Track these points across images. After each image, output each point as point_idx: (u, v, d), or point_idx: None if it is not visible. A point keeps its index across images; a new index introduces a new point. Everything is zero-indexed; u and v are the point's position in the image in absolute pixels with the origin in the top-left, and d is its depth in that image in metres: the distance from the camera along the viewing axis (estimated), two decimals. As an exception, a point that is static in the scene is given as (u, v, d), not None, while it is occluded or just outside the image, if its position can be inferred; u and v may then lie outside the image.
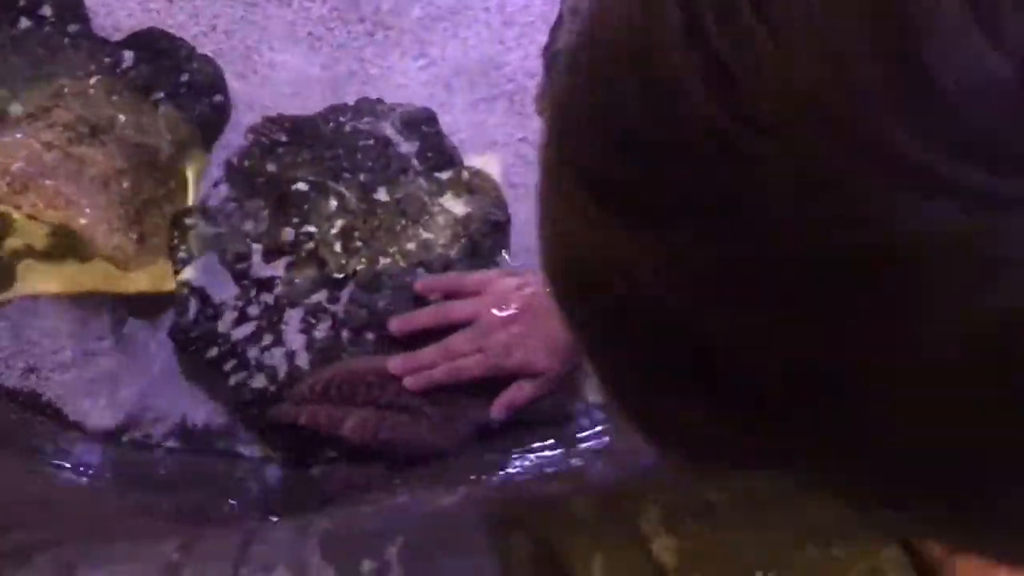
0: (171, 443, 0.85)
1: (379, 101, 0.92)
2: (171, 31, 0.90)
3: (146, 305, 0.87)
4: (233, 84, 0.91)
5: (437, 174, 0.89)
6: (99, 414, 0.84)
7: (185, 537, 0.44)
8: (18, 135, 0.75)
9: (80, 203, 0.74)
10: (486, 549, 0.42)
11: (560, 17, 0.93)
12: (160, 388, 0.86)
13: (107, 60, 0.84)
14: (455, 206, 0.88)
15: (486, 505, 0.45)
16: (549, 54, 0.93)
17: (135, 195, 0.78)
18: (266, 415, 0.84)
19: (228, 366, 0.84)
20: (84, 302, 0.87)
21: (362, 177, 0.87)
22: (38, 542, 0.46)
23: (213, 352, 0.84)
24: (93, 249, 0.76)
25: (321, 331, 0.85)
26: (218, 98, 0.88)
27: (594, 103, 0.26)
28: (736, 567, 0.40)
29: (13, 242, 0.88)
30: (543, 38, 0.95)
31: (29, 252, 0.87)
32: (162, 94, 0.85)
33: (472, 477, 0.77)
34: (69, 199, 0.74)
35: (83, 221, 0.74)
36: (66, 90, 0.81)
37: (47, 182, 0.74)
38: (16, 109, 0.79)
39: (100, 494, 0.67)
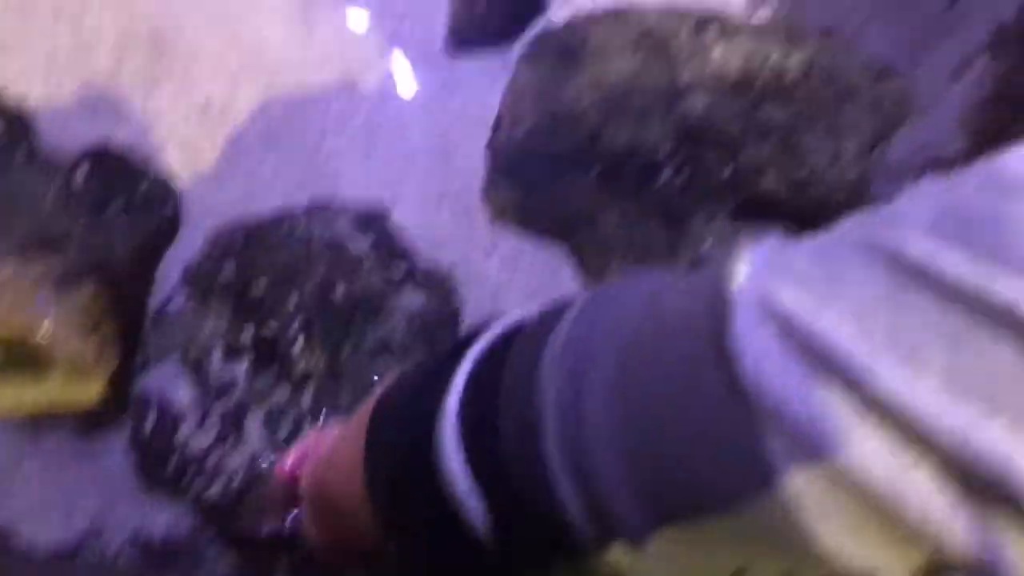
0: (132, 555, 0.82)
1: (329, 202, 0.95)
2: (123, 148, 0.92)
3: (102, 416, 0.86)
4: (188, 191, 0.93)
5: (390, 270, 0.91)
6: (56, 531, 0.82)
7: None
8: (-28, 250, 0.75)
9: (39, 312, 0.73)
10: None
11: (499, 117, 0.98)
12: (120, 500, 0.84)
13: (60, 177, 0.85)
14: (410, 300, 0.90)
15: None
16: (491, 151, 0.97)
17: (93, 302, 0.78)
18: (229, 529, 0.82)
19: (189, 474, 0.83)
20: (36, 420, 0.85)
21: (318, 277, 0.88)
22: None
23: (172, 461, 0.83)
24: (51, 358, 0.75)
25: (284, 430, 0.84)
26: (170, 211, 0.89)
27: None
28: None
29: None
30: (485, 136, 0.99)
31: (-23, 372, 0.86)
32: (116, 208, 0.86)
33: None
34: (27, 309, 0.73)
35: (42, 330, 0.73)
36: (20, 205, 0.81)
37: (4, 295, 0.73)
38: (-32, 226, 0.79)
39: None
